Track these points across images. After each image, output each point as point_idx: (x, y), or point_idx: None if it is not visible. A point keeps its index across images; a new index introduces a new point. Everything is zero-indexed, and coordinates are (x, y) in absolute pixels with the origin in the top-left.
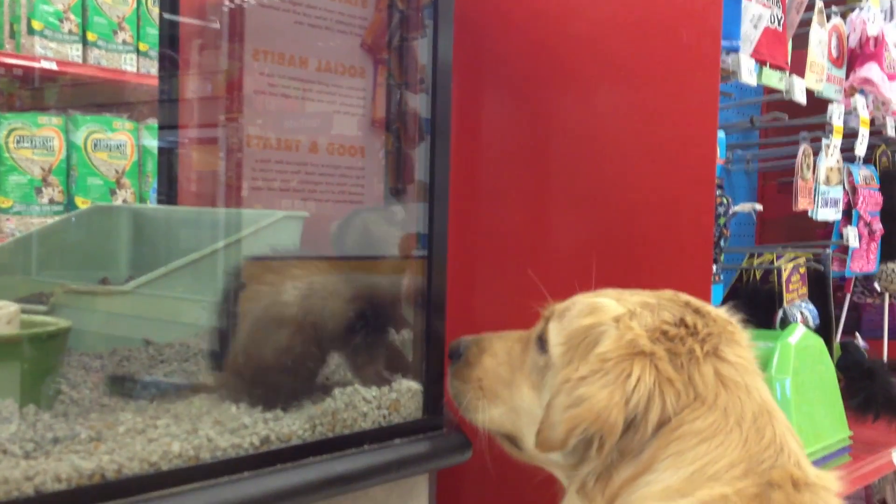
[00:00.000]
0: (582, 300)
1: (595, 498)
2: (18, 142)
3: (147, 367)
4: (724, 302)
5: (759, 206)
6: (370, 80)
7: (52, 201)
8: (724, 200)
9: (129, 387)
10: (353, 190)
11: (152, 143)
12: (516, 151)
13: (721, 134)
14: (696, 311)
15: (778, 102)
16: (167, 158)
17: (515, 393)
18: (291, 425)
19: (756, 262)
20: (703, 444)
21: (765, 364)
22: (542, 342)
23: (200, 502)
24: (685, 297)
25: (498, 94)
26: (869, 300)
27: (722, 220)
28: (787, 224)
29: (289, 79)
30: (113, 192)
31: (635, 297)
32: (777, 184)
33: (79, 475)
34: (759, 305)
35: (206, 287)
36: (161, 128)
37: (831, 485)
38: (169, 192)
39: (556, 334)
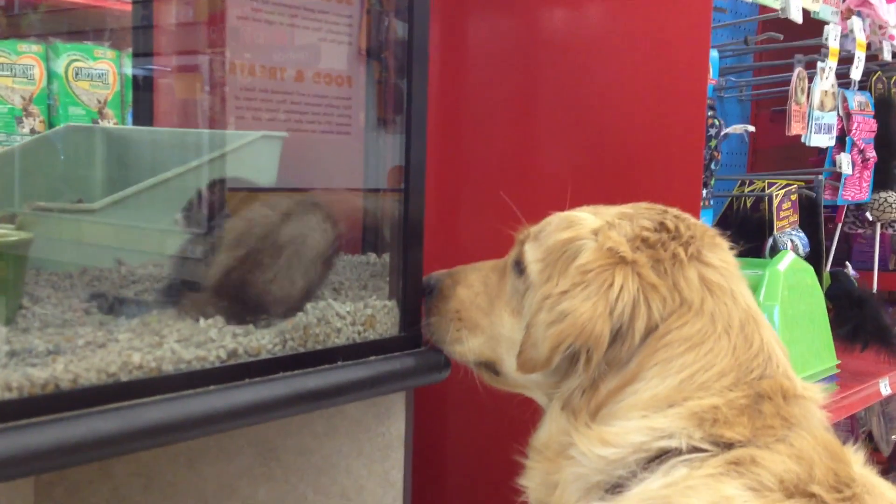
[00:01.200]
0: (557, 216)
1: (580, 411)
2: None
3: (118, 287)
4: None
5: (751, 128)
6: (357, 7)
7: (32, 131)
8: (716, 122)
9: (105, 303)
10: (339, 120)
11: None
12: (502, 73)
13: (714, 53)
14: (676, 217)
15: (773, 22)
16: (144, 86)
17: (496, 320)
18: (261, 339)
19: (747, 189)
20: (692, 351)
21: (753, 291)
22: (519, 265)
23: (162, 414)
24: (662, 206)
25: (484, 12)
26: (860, 230)
27: (713, 143)
28: (779, 154)
29: (273, 4)
30: (95, 122)
31: (612, 210)
32: (770, 112)
33: (31, 384)
34: (749, 233)
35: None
36: (138, 55)
37: (817, 396)
38: (146, 118)
39: (532, 253)
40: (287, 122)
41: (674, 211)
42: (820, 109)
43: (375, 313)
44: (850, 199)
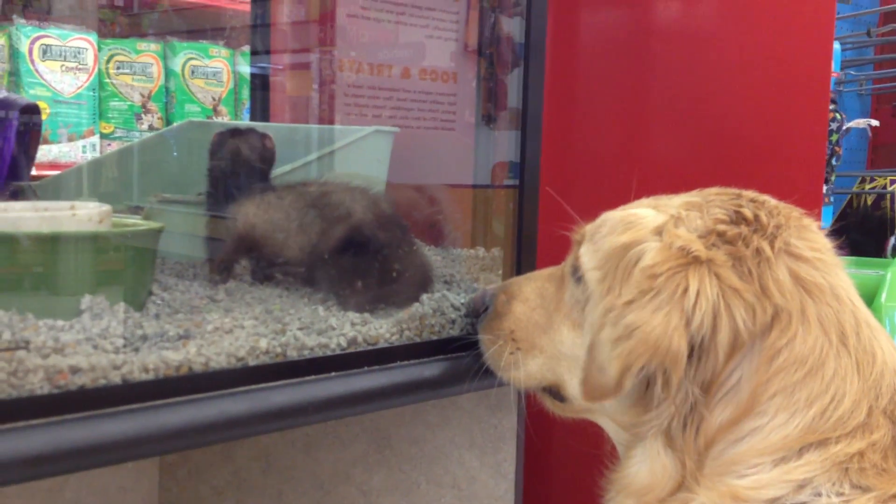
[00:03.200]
0: (613, 215)
1: (687, 448)
2: (118, 68)
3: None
4: (833, 226)
5: (874, 122)
6: (464, 4)
7: (151, 127)
8: (838, 116)
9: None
10: (445, 117)
11: (247, 70)
12: (614, 66)
13: (836, 45)
14: (754, 201)
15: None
16: (260, 84)
17: (555, 337)
18: (379, 328)
19: (868, 186)
20: (815, 377)
21: (874, 292)
22: (576, 272)
23: (287, 398)
24: (736, 190)
25: (596, 3)
26: None
27: (834, 137)
28: None
29: (381, 2)
30: (210, 119)
31: (676, 200)
32: (892, 107)
33: (166, 366)
34: (870, 232)
35: None
36: (254, 53)
37: None
38: (262, 115)
39: (589, 258)
40: (394, 119)
41: (749, 194)
42: None
43: None
44: None
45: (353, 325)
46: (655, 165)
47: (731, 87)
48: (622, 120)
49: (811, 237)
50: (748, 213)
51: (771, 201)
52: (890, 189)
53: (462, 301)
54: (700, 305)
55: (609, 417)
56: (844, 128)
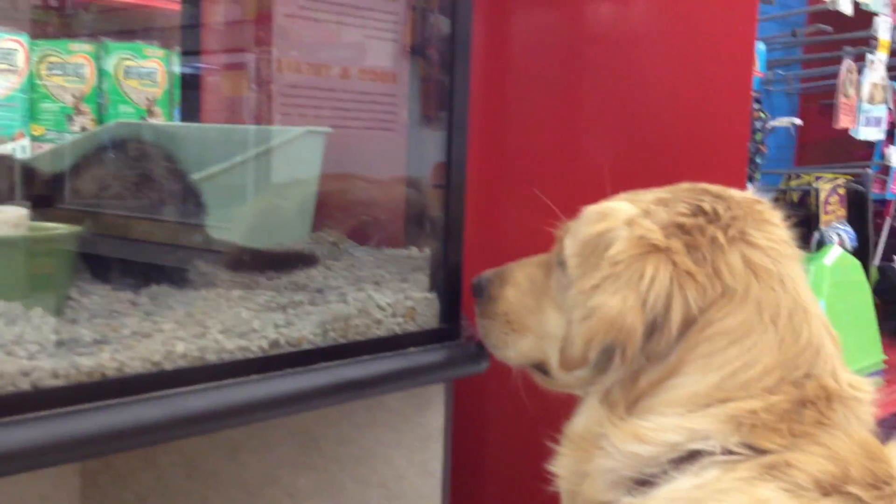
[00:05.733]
0: (592, 208)
1: (618, 404)
2: (50, 69)
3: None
4: None
5: (797, 121)
6: (402, 4)
7: (83, 129)
8: (762, 115)
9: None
10: (384, 117)
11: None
12: (546, 67)
13: (761, 46)
14: (717, 197)
15: (822, 14)
16: (192, 84)
17: (543, 319)
18: (302, 330)
19: (794, 183)
20: (735, 345)
21: None
22: (561, 261)
23: (206, 402)
24: (706, 185)
25: (528, 6)
26: None
27: (759, 136)
28: (826, 147)
29: (321, 1)
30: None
31: (649, 195)
32: (818, 105)
33: (77, 372)
34: (796, 228)
35: (224, 202)
36: (188, 53)
37: (865, 395)
38: (194, 116)
39: (570, 247)
40: (331, 119)
41: (715, 190)
42: (869, 102)
43: (416, 305)
44: None
45: (275, 326)
46: (585, 164)
47: (659, 89)
48: (555, 120)
49: (769, 228)
50: (707, 206)
51: (736, 196)
52: (814, 186)
53: (388, 301)
54: (655, 288)
55: (581, 386)
56: (769, 126)
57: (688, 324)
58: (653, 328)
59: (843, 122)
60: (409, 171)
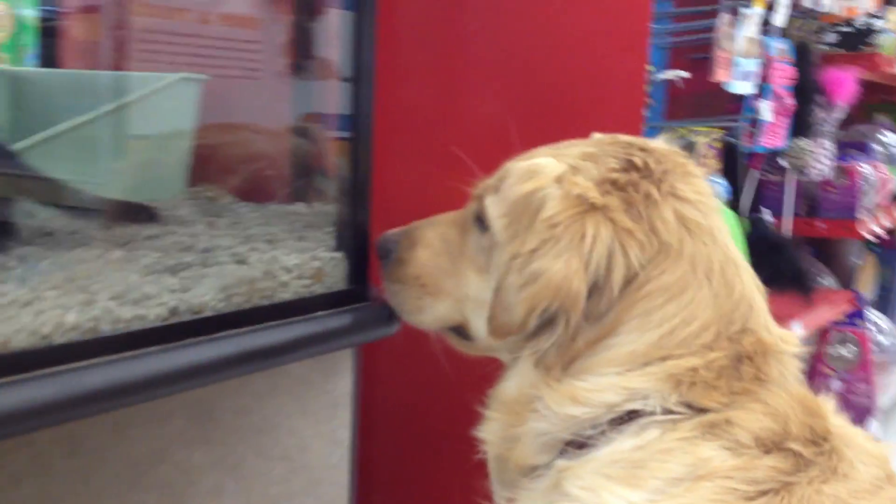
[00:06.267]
0: (517, 166)
1: (553, 366)
2: None
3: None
4: None
5: (684, 73)
6: None
7: None
8: (649, 68)
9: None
10: (251, 65)
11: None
12: (431, 18)
13: None
14: (643, 150)
15: None
16: (47, 29)
17: (461, 281)
18: (203, 296)
19: (673, 136)
20: (672, 302)
21: None
22: (481, 221)
23: (102, 378)
24: (626, 137)
25: None
26: (772, 177)
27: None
28: (695, 101)
29: None
30: None
31: (574, 150)
32: (688, 60)
33: None
34: None
35: (91, 156)
36: None
37: (795, 348)
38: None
39: (495, 207)
40: (197, 67)
41: (640, 142)
42: (743, 56)
43: (323, 266)
44: (767, 146)
45: (171, 292)
46: (475, 119)
47: (548, 37)
48: (438, 70)
49: (694, 182)
50: (638, 160)
51: (660, 149)
52: (690, 138)
53: (294, 262)
54: (597, 249)
55: (508, 352)
56: (655, 79)
57: (628, 282)
58: (594, 289)
59: (719, 75)
60: (294, 121)
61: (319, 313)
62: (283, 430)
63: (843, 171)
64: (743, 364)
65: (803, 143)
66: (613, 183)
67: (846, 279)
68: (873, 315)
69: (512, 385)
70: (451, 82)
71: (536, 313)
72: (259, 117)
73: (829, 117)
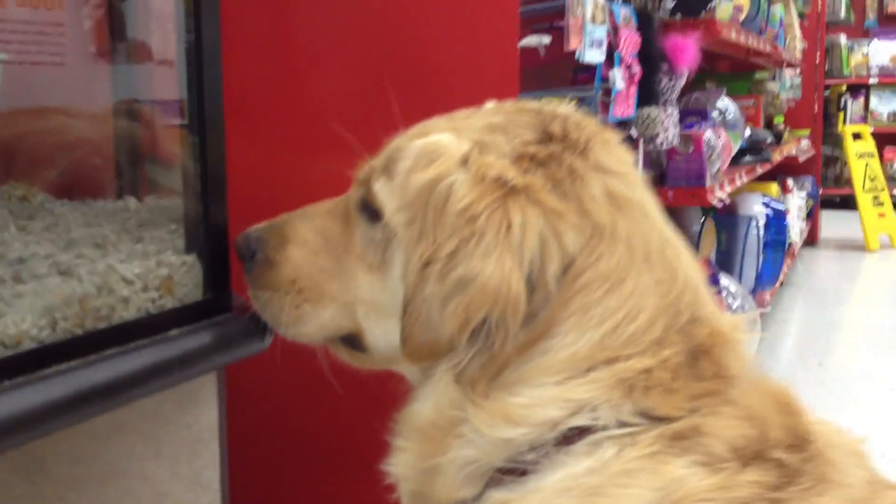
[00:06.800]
0: (410, 146)
1: (478, 379)
2: None
3: None
4: None
5: (546, 39)
6: None
7: None
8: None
9: None
10: (53, 49)
11: None
12: None
13: None
14: (559, 119)
15: None
16: None
17: (349, 283)
18: (21, 323)
19: None
20: (613, 293)
21: None
22: (369, 210)
23: None
24: (532, 103)
25: None
26: None
27: None
28: (541, 73)
29: None
30: None
31: (474, 121)
32: (531, 31)
33: None
34: None
35: None
36: None
37: (744, 335)
38: None
39: (388, 197)
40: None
41: (549, 109)
42: (592, 23)
43: (173, 273)
44: (620, 115)
45: None
46: (330, 94)
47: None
48: (281, 44)
49: (617, 151)
50: (556, 129)
51: (575, 116)
52: None
53: (135, 271)
54: (528, 239)
55: (418, 365)
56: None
57: (562, 274)
58: (527, 286)
59: (573, 43)
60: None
61: (173, 332)
62: (134, 476)
63: (689, 139)
64: (700, 360)
65: (651, 111)
66: (532, 158)
67: (691, 246)
68: (724, 280)
69: (427, 406)
70: (296, 52)
71: (470, 327)
72: (84, 102)
73: (674, 84)
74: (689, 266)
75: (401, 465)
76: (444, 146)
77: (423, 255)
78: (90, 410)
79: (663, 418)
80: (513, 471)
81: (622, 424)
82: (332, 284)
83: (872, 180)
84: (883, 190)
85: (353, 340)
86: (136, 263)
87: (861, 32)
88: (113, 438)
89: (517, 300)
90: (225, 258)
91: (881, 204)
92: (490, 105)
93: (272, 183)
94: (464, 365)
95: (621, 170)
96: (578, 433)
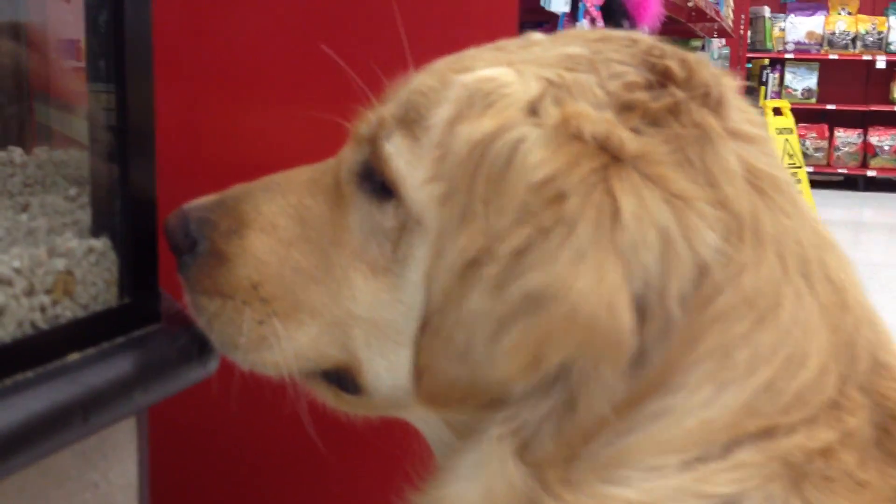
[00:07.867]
0: (451, 84)
1: (553, 457)
2: None
3: None
4: None
5: None
6: None
7: None
8: None
9: None
10: None
11: None
12: None
13: None
14: (665, 51)
15: None
16: None
17: (341, 291)
18: None
19: None
20: (766, 326)
21: None
22: (374, 182)
23: None
24: (621, 32)
25: None
26: None
27: None
28: None
29: None
30: None
31: (542, 52)
32: None
33: None
34: None
35: None
36: None
37: None
38: None
39: (411, 163)
40: None
41: (647, 39)
42: None
43: (73, 267)
44: None
45: None
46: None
47: None
48: None
49: (743, 106)
50: (676, 69)
51: (684, 53)
52: None
53: (15, 264)
54: (645, 239)
55: (450, 420)
56: None
57: (692, 293)
58: (639, 312)
59: None
60: None
61: (72, 357)
62: None
63: None
64: (893, 432)
65: None
66: (644, 110)
67: None
68: None
69: (474, 492)
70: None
71: (541, 370)
72: None
73: None
74: (857, 283)
75: None
76: (504, 84)
77: (466, 249)
78: None
79: None
80: None
81: None
82: (313, 292)
83: (791, 157)
84: (801, 167)
85: (342, 377)
86: (18, 250)
87: (778, 7)
88: None
89: (622, 333)
90: (153, 244)
91: (799, 181)
92: (564, 33)
93: (214, 136)
94: (531, 430)
95: (759, 135)
96: None
